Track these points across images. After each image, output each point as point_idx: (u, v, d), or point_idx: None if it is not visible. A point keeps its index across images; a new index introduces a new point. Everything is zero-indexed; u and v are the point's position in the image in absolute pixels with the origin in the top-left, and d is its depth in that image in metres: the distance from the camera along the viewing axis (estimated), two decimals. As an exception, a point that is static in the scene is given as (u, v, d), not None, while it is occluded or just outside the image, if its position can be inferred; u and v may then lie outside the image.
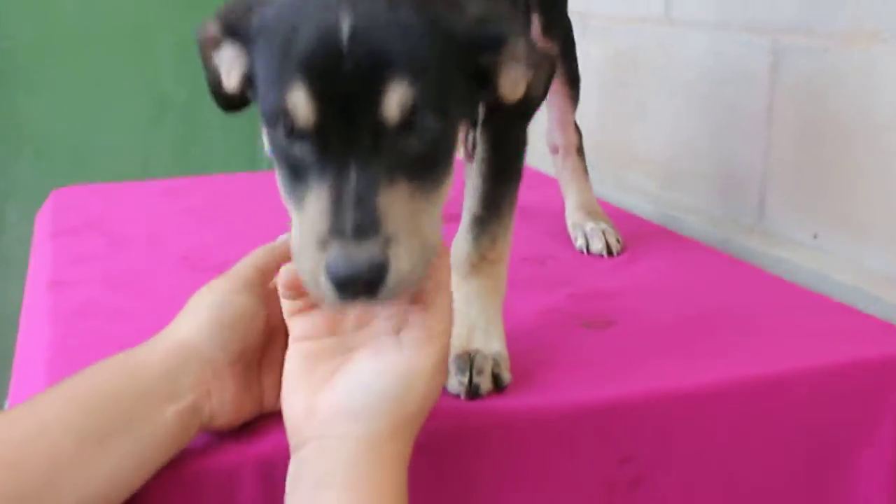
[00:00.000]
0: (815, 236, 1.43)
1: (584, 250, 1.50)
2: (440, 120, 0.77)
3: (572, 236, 1.53)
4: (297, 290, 0.80)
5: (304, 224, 0.75)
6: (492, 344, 1.02)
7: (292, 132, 0.75)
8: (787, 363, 1.07)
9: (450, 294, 0.82)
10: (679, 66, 1.73)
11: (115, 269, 1.37)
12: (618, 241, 1.50)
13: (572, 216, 1.56)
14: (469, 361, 0.98)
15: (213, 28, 0.86)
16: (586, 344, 1.12)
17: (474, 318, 1.03)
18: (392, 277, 0.71)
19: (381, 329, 0.80)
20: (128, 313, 1.20)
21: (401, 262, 0.72)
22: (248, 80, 0.85)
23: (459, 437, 0.93)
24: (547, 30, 1.46)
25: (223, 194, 1.84)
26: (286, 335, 0.86)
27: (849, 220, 1.38)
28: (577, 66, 1.57)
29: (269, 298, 0.89)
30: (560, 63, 1.50)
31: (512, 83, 0.86)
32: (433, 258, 0.78)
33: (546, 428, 0.96)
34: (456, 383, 0.97)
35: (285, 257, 0.84)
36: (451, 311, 0.82)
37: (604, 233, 1.50)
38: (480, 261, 1.07)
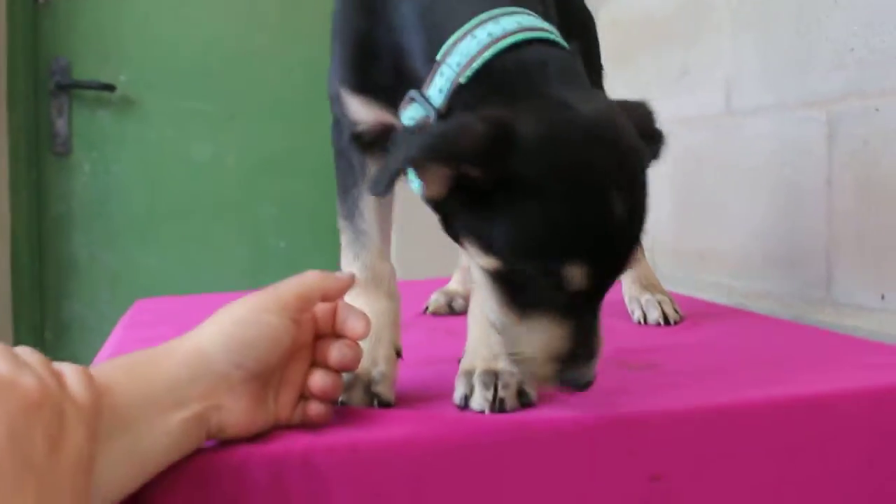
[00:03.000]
0: (882, 297, 1.38)
1: (642, 321, 1.47)
2: None
3: (629, 310, 1.51)
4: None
5: (535, 341, 0.89)
6: (518, 365, 1.00)
7: (556, 287, 0.86)
8: (830, 386, 1.03)
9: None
10: (741, 156, 1.73)
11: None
12: (675, 310, 1.47)
13: (628, 290, 1.54)
14: (494, 377, 0.97)
15: (468, 169, 0.85)
16: (625, 379, 1.10)
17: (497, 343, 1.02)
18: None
19: None
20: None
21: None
22: (457, 188, 0.88)
23: (483, 449, 0.90)
24: None
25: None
26: (310, 356, 0.91)
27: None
28: None
29: (302, 321, 0.90)
30: None
31: None
32: None
33: (570, 440, 0.92)
34: (481, 399, 0.96)
35: (337, 291, 0.92)
36: None
37: (660, 303, 1.47)
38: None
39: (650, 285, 1.53)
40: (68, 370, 0.73)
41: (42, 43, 3.14)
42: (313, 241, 3.28)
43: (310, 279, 0.91)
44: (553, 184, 0.83)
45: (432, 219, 0.93)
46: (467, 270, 1.65)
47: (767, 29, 1.65)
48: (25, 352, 0.71)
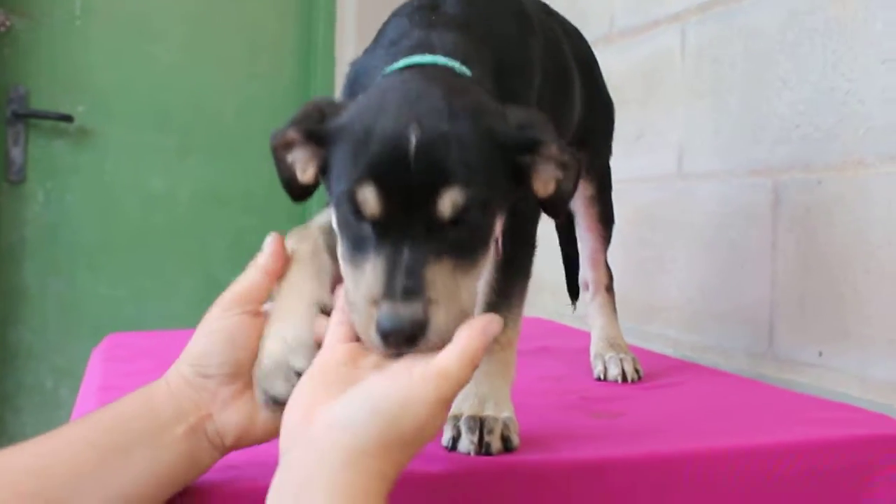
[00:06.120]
0: (819, 354, 1.50)
1: (602, 377, 1.54)
2: (483, 215, 0.93)
3: (592, 366, 1.59)
4: None
5: (360, 285, 0.90)
6: (502, 412, 1.09)
7: (359, 216, 0.90)
8: (782, 438, 1.14)
9: (473, 354, 0.85)
10: (691, 216, 1.86)
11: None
12: (636, 370, 1.54)
13: (595, 347, 1.62)
14: (480, 422, 1.05)
15: (291, 133, 0.99)
16: (594, 426, 1.19)
17: (485, 393, 1.11)
18: (432, 332, 0.86)
19: (399, 365, 0.86)
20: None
21: (440, 320, 0.87)
22: (322, 172, 0.99)
23: (468, 488, 1.00)
24: (585, 170, 1.59)
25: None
26: None
27: (850, 335, 1.45)
28: (611, 207, 1.67)
29: (257, 311, 0.96)
30: (595, 203, 1.64)
31: (543, 182, 1.00)
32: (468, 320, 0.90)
33: (548, 482, 1.02)
34: (467, 442, 1.04)
35: (273, 259, 0.98)
36: (470, 367, 0.84)
37: (622, 360, 1.55)
38: (492, 343, 1.15)
39: (616, 345, 1.61)
40: None
41: (1, 71, 3.16)
42: (263, 276, 3.33)
43: (246, 273, 0.98)
44: (353, 130, 0.93)
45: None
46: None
47: (720, 100, 1.78)
48: None
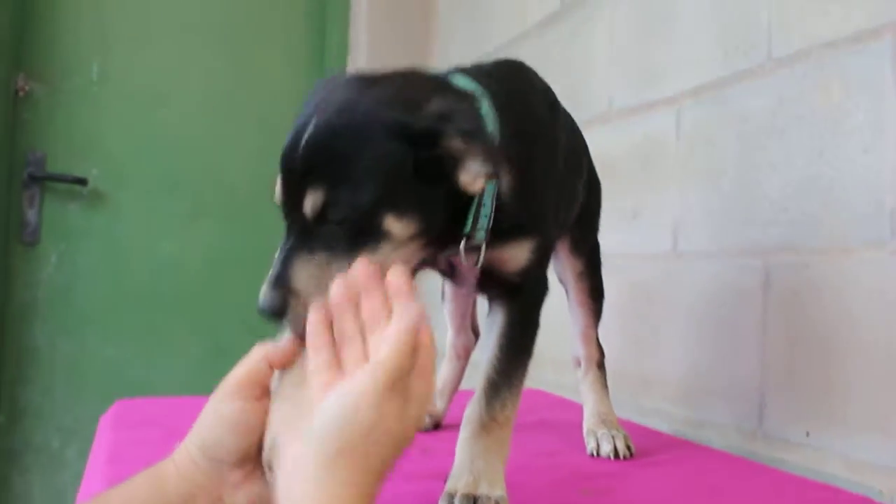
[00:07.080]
0: (807, 434, 1.54)
1: (595, 453, 1.58)
2: (353, 213, 0.99)
3: (585, 442, 1.62)
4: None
5: None
6: (495, 490, 1.13)
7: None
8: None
9: (408, 341, 0.88)
10: (685, 294, 1.91)
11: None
12: (628, 447, 1.57)
13: (587, 423, 1.66)
14: (474, 500, 1.10)
15: None
16: (583, 503, 1.23)
17: (480, 470, 1.15)
18: (290, 315, 0.98)
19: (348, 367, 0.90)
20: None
21: (298, 308, 0.98)
22: None
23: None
24: (575, 246, 1.65)
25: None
26: None
27: (836, 416, 1.49)
28: (601, 282, 1.71)
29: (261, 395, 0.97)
30: (585, 279, 1.67)
31: (471, 176, 1.04)
32: None
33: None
34: None
35: (281, 356, 0.98)
36: (407, 357, 0.87)
37: (614, 437, 1.58)
38: (490, 421, 1.19)
39: (608, 421, 1.64)
40: None
41: (19, 135, 3.25)
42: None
43: (253, 356, 0.99)
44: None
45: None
46: (439, 393, 1.79)
47: (713, 181, 1.84)
48: None
